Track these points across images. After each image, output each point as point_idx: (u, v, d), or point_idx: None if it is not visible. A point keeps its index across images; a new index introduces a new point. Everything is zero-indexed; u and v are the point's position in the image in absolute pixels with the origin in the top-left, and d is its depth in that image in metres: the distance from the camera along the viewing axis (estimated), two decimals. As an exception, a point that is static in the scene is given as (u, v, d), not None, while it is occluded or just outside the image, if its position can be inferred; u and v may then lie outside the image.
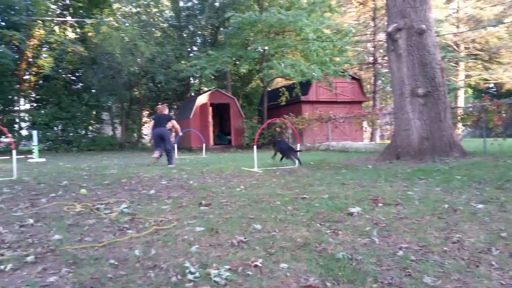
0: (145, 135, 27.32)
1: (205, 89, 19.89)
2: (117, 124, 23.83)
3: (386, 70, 25.92)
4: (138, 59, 19.44)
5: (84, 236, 2.89)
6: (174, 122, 9.56)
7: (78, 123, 20.24)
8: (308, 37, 15.17)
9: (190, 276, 2.06)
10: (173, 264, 2.26)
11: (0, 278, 2.09)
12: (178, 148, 13.34)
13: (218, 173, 6.94)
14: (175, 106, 25.33)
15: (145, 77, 22.31)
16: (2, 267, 2.24)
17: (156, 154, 9.31)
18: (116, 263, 2.29)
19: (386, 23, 8.97)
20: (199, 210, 3.74)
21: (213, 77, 18.01)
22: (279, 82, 25.06)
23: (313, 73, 15.47)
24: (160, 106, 10.26)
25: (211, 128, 18.03)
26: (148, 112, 26.51)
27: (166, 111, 9.95)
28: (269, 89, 20.90)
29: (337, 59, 16.90)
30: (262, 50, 17.09)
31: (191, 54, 21.83)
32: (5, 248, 2.60)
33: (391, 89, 19.26)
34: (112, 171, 7.56)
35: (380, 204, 3.74)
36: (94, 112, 21.72)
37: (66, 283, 1.99)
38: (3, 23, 17.75)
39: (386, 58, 23.51)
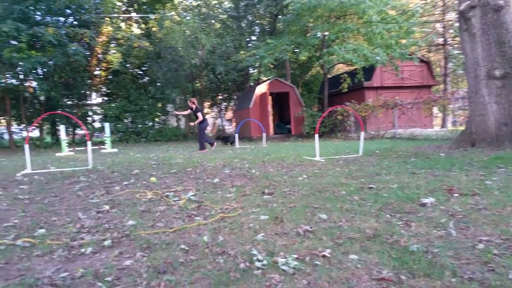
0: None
1: (264, 78, 19.92)
2: (181, 115, 24.73)
3: (458, 52, 24.18)
4: (199, 52, 19.92)
5: (156, 222, 3.03)
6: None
7: (145, 115, 21.29)
8: (371, 20, 14.51)
9: (258, 264, 2.06)
10: (240, 251, 2.28)
11: (81, 261, 2.25)
12: (239, 138, 13.53)
13: (279, 162, 6.93)
14: (234, 97, 25.70)
15: (206, 68, 22.83)
16: (83, 250, 2.40)
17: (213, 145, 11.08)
18: (187, 248, 2.37)
19: (457, 1, 8.30)
20: (263, 198, 3.75)
21: (272, 66, 17.95)
22: (340, 68, 24.38)
23: (377, 57, 14.80)
24: (192, 99, 11.47)
25: (270, 118, 18.05)
26: (209, 103, 27.21)
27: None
28: (330, 76, 20.41)
29: (404, 41, 16.00)
30: (322, 36, 16.67)
31: (250, 44, 21.94)
32: (84, 232, 2.80)
33: (463, 71, 17.96)
34: (178, 161, 7.85)
35: (456, 195, 3.50)
36: (159, 104, 22.70)
37: (141, 267, 2.09)
38: (75, 22, 19.06)
39: (457, 38, 21.97)
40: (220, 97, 27.16)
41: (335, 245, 2.35)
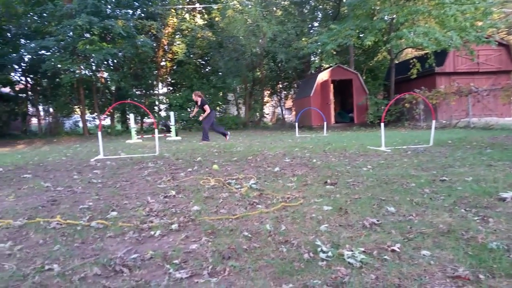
0: (267, 114, 28.21)
1: (326, 65, 19.45)
2: (241, 104, 25.06)
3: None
4: (260, 40, 19.93)
5: (219, 208, 3.07)
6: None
7: (208, 104, 21.84)
8: (444, 1, 13.51)
9: (322, 255, 2.01)
10: (303, 241, 2.23)
11: (150, 243, 2.34)
12: (298, 126, 13.40)
13: (341, 151, 6.75)
14: (295, 85, 25.47)
15: (267, 57, 22.82)
16: (152, 232, 2.50)
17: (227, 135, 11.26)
18: (250, 235, 2.37)
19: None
20: (325, 188, 3.66)
21: (334, 53, 17.44)
22: (409, 53, 23.10)
23: (450, 41, 13.78)
24: (197, 92, 11.39)
25: (332, 106, 17.63)
26: (269, 92, 27.23)
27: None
28: (397, 62, 19.43)
29: (480, 23, 14.73)
30: (389, 19, 15.85)
31: (312, 31, 21.52)
32: (153, 216, 2.91)
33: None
34: (238, 149, 7.94)
35: (542, 190, 3.16)
36: (221, 94, 23.17)
37: (206, 251, 2.12)
38: (142, 15, 19.94)
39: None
40: (280, 85, 27.06)
41: (405, 239, 2.21)
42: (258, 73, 24.00)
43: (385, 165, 4.99)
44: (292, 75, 24.26)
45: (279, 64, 23.37)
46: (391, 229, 2.40)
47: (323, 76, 17.65)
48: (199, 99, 10.93)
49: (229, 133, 11.80)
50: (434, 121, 7.83)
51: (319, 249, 2.09)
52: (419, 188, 3.47)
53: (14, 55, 18.58)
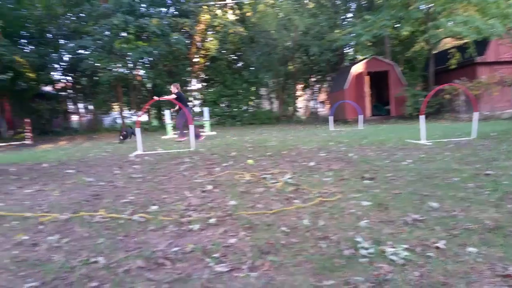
0: (300, 108, 27.97)
1: (361, 57, 19.00)
2: (274, 98, 24.98)
3: None
4: (292, 34, 19.75)
5: (255, 203, 3.08)
6: None
7: (240, 99, 21.97)
8: (485, -12, 12.88)
9: (363, 252, 1.97)
10: (343, 237, 2.20)
11: (190, 236, 2.38)
12: (333, 120, 13.20)
13: (378, 145, 6.59)
14: (328, 78, 25.09)
15: (299, 50, 22.58)
16: (191, 226, 2.54)
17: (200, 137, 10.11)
18: (287, 230, 2.36)
19: None
20: (363, 183, 3.59)
21: (369, 44, 17.01)
22: (448, 42, 22.14)
23: (492, 29, 13.10)
24: (176, 84, 10.66)
25: (367, 99, 17.22)
26: (302, 86, 26.97)
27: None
28: (435, 52, 18.69)
29: (525, 9, 13.91)
30: (426, 9, 15.27)
31: (345, 22, 21.07)
32: (192, 210, 2.96)
33: None
34: (272, 143, 7.94)
35: None
36: (253, 88, 23.19)
37: (245, 246, 2.13)
38: (176, 12, 20.24)
39: None
40: (313, 79, 26.72)
41: (449, 236, 2.14)
42: (291, 67, 23.80)
43: (426, 159, 4.83)
44: (325, 68, 23.88)
45: (312, 57, 23.04)
46: (434, 225, 2.33)
47: (358, 68, 17.26)
48: (175, 91, 10.32)
49: (186, 138, 10.36)
50: (476, 113, 7.50)
51: (359, 245, 2.06)
52: (462, 183, 3.34)
53: (55, 55, 19.39)
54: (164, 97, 11.14)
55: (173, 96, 10.17)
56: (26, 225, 2.75)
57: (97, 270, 1.91)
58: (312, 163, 4.90)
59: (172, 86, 10.55)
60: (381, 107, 18.59)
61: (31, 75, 19.06)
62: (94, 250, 2.19)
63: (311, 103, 29.26)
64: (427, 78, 17.32)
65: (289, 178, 3.95)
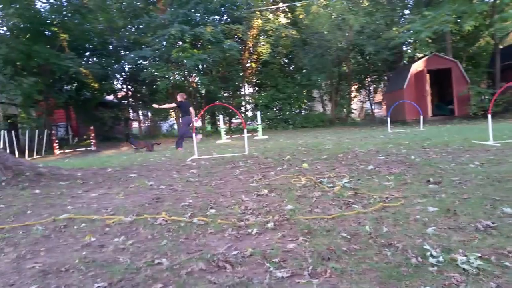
0: (354, 110, 27.30)
1: (420, 55, 18.16)
2: (327, 100, 24.61)
3: None
4: (346, 34, 19.36)
5: (313, 207, 3.02)
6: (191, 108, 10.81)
7: (292, 102, 21.90)
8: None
9: (432, 260, 1.85)
10: (409, 244, 2.08)
11: (249, 240, 2.37)
12: (391, 121, 12.71)
13: (442, 147, 6.23)
14: (385, 78, 24.26)
15: (353, 50, 22.09)
16: (249, 230, 2.54)
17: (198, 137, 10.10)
18: (348, 236, 2.28)
19: None
20: (428, 188, 3.39)
21: (429, 41, 16.19)
22: (515, 36, 20.57)
23: None
24: (181, 93, 11.32)
25: (429, 98, 16.39)
26: (356, 87, 26.33)
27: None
28: (502, 46, 17.42)
29: None
30: (492, 1, 14.26)
31: (403, 19, 20.27)
32: (249, 214, 2.96)
33: None
34: (327, 147, 7.79)
35: None
36: (305, 91, 23.01)
37: (305, 251, 2.08)
38: (228, 19, 20.66)
39: None
40: (369, 79, 25.99)
41: (529, 245, 1.95)
42: (345, 68, 23.33)
43: (496, 161, 4.49)
44: (382, 68, 23.13)
45: (367, 57, 22.45)
46: (509, 232, 2.14)
47: (418, 66, 16.51)
48: (182, 100, 10.89)
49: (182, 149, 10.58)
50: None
51: (428, 253, 1.93)
52: (541, 187, 3.05)
53: (116, 65, 20.55)
54: (163, 106, 12.27)
55: (173, 104, 11.17)
56: (93, 227, 2.89)
57: (161, 271, 1.96)
58: (370, 167, 4.73)
59: (178, 95, 11.21)
60: (444, 106, 17.59)
61: (95, 85, 20.39)
62: (158, 252, 2.25)
63: (367, 104, 28.46)
64: (493, 75, 16.17)
65: (346, 182, 3.84)
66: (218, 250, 2.20)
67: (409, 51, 18.37)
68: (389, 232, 2.32)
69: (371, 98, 27.36)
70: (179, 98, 11.03)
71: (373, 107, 27.73)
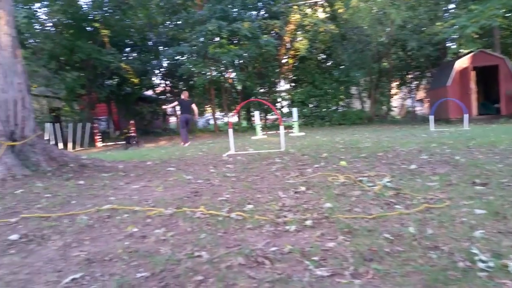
0: (395, 107, 26.55)
1: (465, 51, 17.36)
2: (365, 97, 24.05)
3: None
4: (388, 28, 18.81)
5: (352, 206, 2.95)
6: (194, 105, 11.94)
7: (329, 99, 21.57)
8: None
9: (481, 265, 1.76)
10: (456, 247, 1.99)
11: (287, 237, 2.36)
12: (433, 120, 12.23)
13: (489, 147, 5.93)
14: (428, 74, 23.40)
15: (395, 45, 21.44)
16: (287, 227, 2.52)
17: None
18: (391, 237, 2.21)
19: None
20: (474, 189, 3.23)
21: (475, 36, 15.43)
22: None
23: None
24: (185, 92, 12.46)
25: (473, 96, 15.65)
26: (397, 83, 25.57)
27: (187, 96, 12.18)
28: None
29: None
30: (546, -7, 13.38)
31: (447, 14, 19.43)
32: (286, 211, 2.94)
33: None
34: (365, 144, 7.62)
35: None
36: (343, 88, 22.60)
37: (345, 251, 2.04)
38: (266, 15, 20.60)
39: None
40: (410, 75, 25.14)
41: None
42: (385, 64, 22.69)
43: (550, 163, 4.21)
44: (425, 64, 22.29)
45: (409, 53, 21.72)
46: None
47: (462, 63, 15.78)
48: (185, 98, 11.96)
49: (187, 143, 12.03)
50: None
51: (476, 257, 1.84)
52: None
53: (155, 61, 21.06)
54: (170, 105, 13.61)
55: (175, 103, 12.32)
56: (135, 218, 2.97)
57: (201, 264, 1.98)
58: (413, 166, 4.57)
59: (182, 94, 12.32)
60: (490, 105, 16.73)
61: (135, 80, 21.00)
62: (197, 245, 2.28)
63: (408, 102, 27.60)
64: (546, 71, 15.17)
65: (388, 182, 3.73)
66: (256, 245, 2.20)
67: (453, 47, 17.57)
68: (434, 234, 2.23)
69: (413, 95, 26.47)
70: (182, 96, 12.15)
71: (414, 104, 26.82)
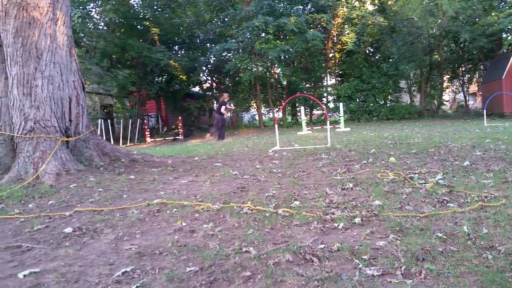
0: (446, 101, 25.32)
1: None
2: (415, 91, 23.11)
3: None
4: (439, 20, 17.92)
5: (403, 204, 2.89)
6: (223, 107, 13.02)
7: (377, 93, 20.93)
8: None
9: (543, 269, 1.67)
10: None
11: (335, 234, 2.35)
12: (487, 114, 11.55)
13: (552, 143, 5.53)
14: (481, 67, 22.08)
15: (447, 37, 20.41)
16: (336, 224, 2.51)
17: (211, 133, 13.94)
18: (444, 237, 2.15)
19: None
20: (534, 188, 3.05)
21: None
22: None
23: None
24: (225, 94, 14.69)
25: (532, 90, 14.62)
26: (449, 76, 24.34)
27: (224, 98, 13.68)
28: None
29: None
30: None
31: (503, 3, 18.18)
32: (334, 207, 2.93)
33: None
34: (416, 140, 7.36)
35: None
36: (392, 81, 21.84)
37: (396, 250, 2.01)
38: (312, 9, 20.31)
39: None
40: (463, 68, 23.84)
41: None
42: (436, 56, 21.66)
43: None
44: (478, 56, 21.04)
45: (462, 45, 20.61)
46: None
47: (519, 54, 14.76)
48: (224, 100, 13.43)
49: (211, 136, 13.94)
50: None
51: (537, 261, 1.74)
52: None
53: (202, 58, 21.47)
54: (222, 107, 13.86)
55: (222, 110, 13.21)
56: (184, 213, 3.07)
57: (249, 260, 2.02)
58: (466, 163, 4.38)
59: (225, 95, 14.12)
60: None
61: (183, 77, 21.52)
62: (245, 240, 2.33)
63: (460, 96, 26.21)
64: None
65: (440, 179, 3.60)
66: (304, 242, 2.21)
67: (509, 38, 16.43)
68: (490, 233, 2.14)
69: (465, 89, 25.10)
70: (224, 99, 13.65)
71: (467, 98, 25.42)
